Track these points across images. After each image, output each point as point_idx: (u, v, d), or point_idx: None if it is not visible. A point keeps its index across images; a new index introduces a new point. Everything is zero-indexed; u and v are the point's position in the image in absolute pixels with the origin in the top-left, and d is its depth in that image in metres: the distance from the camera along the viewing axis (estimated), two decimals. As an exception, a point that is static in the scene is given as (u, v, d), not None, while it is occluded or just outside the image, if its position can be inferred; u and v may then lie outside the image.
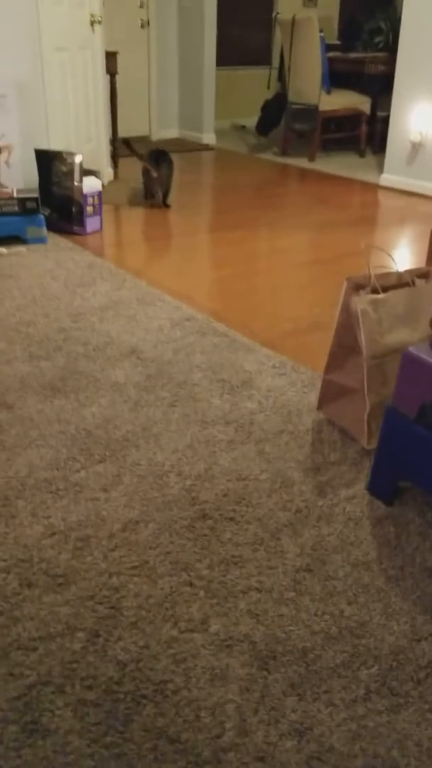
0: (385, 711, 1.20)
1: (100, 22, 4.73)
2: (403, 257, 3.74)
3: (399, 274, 1.94)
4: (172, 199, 4.83)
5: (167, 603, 1.43)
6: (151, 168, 4.56)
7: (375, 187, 5.40)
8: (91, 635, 1.35)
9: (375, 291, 1.87)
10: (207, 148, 7.05)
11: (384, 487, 1.74)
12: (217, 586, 1.47)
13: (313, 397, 2.21)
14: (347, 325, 1.90)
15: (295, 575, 1.50)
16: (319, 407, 2.12)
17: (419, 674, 1.27)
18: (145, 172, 4.66)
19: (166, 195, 4.72)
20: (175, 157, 6.46)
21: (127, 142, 4.65)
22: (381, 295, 1.84)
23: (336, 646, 1.33)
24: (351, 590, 1.46)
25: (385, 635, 1.35)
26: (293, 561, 1.54)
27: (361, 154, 6.48)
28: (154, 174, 4.56)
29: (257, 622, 1.38)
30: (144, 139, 7.37)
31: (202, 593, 1.45)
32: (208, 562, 1.54)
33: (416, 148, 5.10)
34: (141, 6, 6.95)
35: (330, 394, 2.06)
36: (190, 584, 1.48)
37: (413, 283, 1.94)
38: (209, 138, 7.29)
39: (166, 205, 4.69)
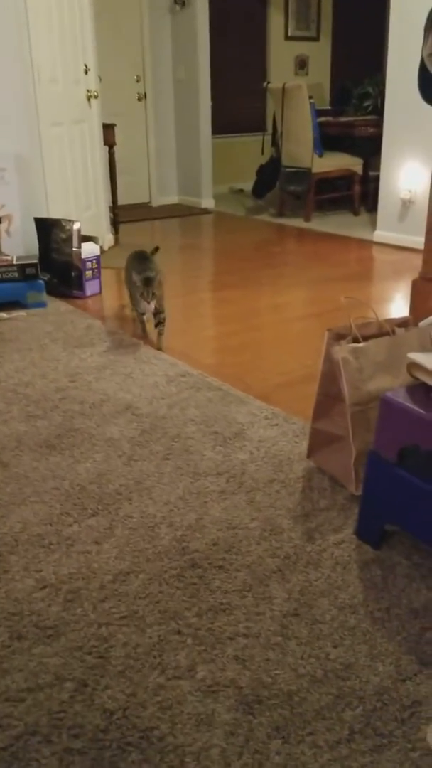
0: (369, 751, 1.20)
1: (96, 97, 4.95)
2: (397, 308, 3.81)
3: (379, 324, 2.00)
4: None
5: (155, 651, 1.44)
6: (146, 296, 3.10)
7: (369, 244, 5.52)
8: (79, 685, 1.36)
9: (356, 340, 1.93)
10: (206, 212, 7.25)
11: (371, 531, 1.76)
12: (204, 634, 1.48)
13: (304, 446, 2.24)
14: (330, 375, 1.95)
15: (282, 620, 1.51)
16: (309, 455, 2.15)
17: (403, 714, 1.27)
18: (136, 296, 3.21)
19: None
20: (175, 222, 6.71)
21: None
22: (361, 344, 1.90)
23: (321, 689, 1.33)
24: (337, 633, 1.47)
25: (370, 676, 1.36)
26: (281, 606, 1.56)
27: (356, 213, 6.64)
28: (151, 306, 3.13)
29: (244, 668, 1.39)
30: (145, 206, 7.59)
31: (189, 641, 1.47)
32: (196, 610, 1.55)
33: (406, 205, 5.23)
34: (138, 81, 7.25)
35: (318, 443, 2.10)
36: (178, 632, 1.49)
37: (393, 332, 1.99)
38: (208, 202, 7.49)
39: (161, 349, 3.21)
